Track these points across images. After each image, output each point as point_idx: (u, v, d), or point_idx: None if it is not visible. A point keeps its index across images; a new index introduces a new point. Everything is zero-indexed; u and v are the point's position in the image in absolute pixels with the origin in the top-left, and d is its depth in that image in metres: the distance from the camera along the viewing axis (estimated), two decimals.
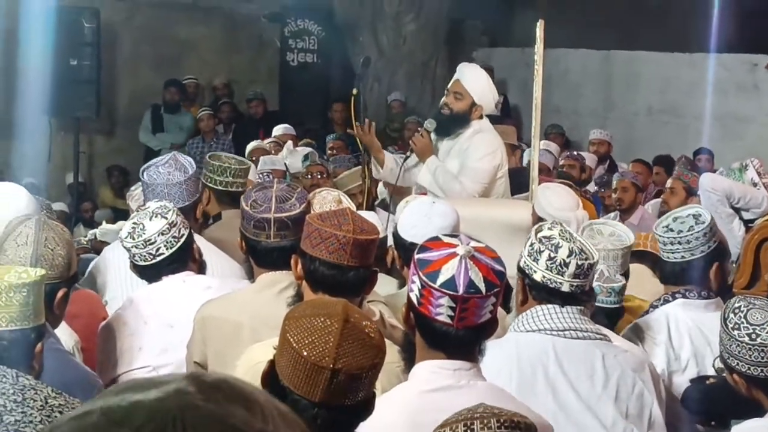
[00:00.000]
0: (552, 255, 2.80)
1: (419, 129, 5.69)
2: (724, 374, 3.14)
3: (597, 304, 3.64)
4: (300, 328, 2.06)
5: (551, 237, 2.83)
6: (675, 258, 3.53)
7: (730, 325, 2.89)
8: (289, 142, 8.33)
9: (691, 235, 3.49)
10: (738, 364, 2.89)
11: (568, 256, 2.79)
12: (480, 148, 5.44)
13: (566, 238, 2.83)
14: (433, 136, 5.57)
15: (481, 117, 5.53)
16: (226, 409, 0.95)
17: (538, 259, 2.82)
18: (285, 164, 7.69)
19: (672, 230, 3.53)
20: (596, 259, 2.87)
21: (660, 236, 3.56)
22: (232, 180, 4.60)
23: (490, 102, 5.57)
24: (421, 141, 5.52)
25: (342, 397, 2.03)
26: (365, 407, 2.09)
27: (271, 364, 2.10)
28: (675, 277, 3.56)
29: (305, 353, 2.02)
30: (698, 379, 3.38)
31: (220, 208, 4.58)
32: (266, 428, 0.97)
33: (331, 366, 2.01)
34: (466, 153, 5.44)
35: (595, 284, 3.63)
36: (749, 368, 2.87)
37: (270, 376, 2.09)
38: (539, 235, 2.86)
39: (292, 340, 2.04)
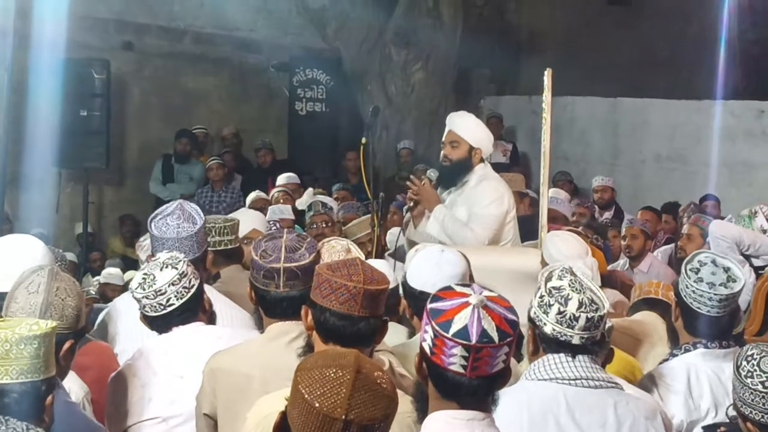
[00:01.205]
0: (561, 309, 2.78)
1: (422, 177, 5.70)
2: (737, 421, 3.11)
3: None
4: (312, 380, 2.06)
5: (561, 288, 2.81)
6: (718, 313, 3.42)
7: (743, 373, 2.87)
8: (310, 189, 8.35)
9: (736, 294, 3.41)
10: (751, 412, 2.86)
11: (578, 309, 2.78)
12: (486, 194, 5.45)
13: (576, 289, 2.81)
14: (439, 190, 5.58)
15: (482, 161, 5.54)
16: None
17: (548, 312, 2.81)
18: (303, 211, 7.69)
19: (701, 280, 3.42)
20: (607, 308, 2.85)
21: (703, 292, 3.40)
22: (219, 239, 4.57)
23: (487, 143, 5.58)
24: (426, 191, 5.52)
25: None
26: None
27: (283, 415, 2.09)
28: (708, 330, 3.47)
29: (317, 404, 2.02)
30: (710, 427, 3.34)
31: (215, 268, 4.54)
32: None
33: (344, 417, 2.00)
34: (473, 201, 5.45)
35: None
36: (762, 416, 2.85)
37: (281, 428, 2.08)
38: (549, 285, 2.84)
39: (303, 391, 2.04)
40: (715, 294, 3.39)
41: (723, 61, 9.34)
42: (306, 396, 2.04)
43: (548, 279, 2.86)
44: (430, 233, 5.43)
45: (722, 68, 9.29)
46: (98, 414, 3.37)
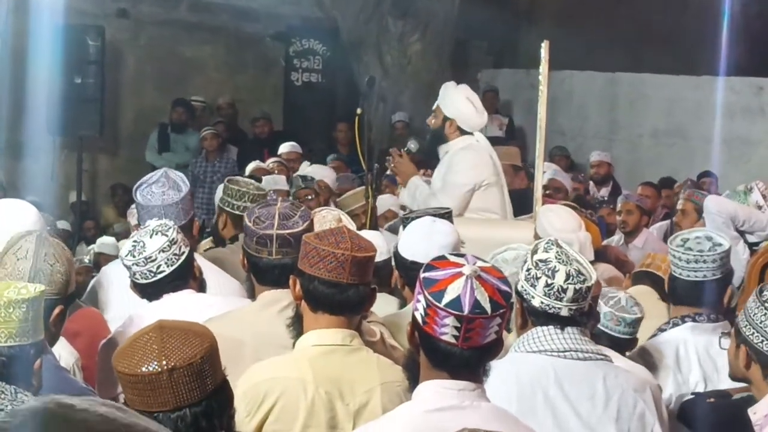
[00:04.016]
0: (549, 281, 2.77)
1: (400, 151, 5.83)
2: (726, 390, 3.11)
3: (605, 330, 3.61)
4: (126, 356, 2.11)
5: (547, 260, 2.80)
6: (696, 277, 3.47)
7: (765, 298, 2.83)
8: (305, 162, 8.31)
9: (717, 255, 3.46)
10: (753, 334, 2.82)
11: (566, 281, 2.76)
12: (456, 163, 5.57)
13: (563, 261, 2.79)
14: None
15: (459, 132, 5.62)
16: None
17: (535, 285, 2.79)
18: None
19: (690, 249, 3.48)
20: (594, 279, 2.84)
21: (682, 254, 3.49)
22: (250, 205, 4.59)
23: (464, 115, 5.64)
24: (402, 163, 5.70)
25: (192, 393, 2.07)
26: (221, 394, 2.13)
27: (125, 406, 2.13)
28: (691, 298, 3.50)
29: (139, 371, 2.07)
30: (700, 396, 3.33)
31: (236, 231, 4.56)
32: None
33: (165, 366, 2.06)
34: (446, 170, 5.60)
35: (606, 309, 3.61)
36: (765, 343, 2.81)
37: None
38: (535, 258, 2.82)
39: (124, 369, 2.09)
40: (692, 255, 3.44)
41: (724, 36, 9.27)
42: (127, 371, 2.09)
43: (534, 252, 2.85)
44: (403, 203, 5.66)
45: (724, 43, 9.22)
46: (89, 380, 3.35)
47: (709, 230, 3.68)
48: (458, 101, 5.66)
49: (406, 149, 5.80)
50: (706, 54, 9.11)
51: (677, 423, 3.29)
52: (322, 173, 7.46)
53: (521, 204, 5.93)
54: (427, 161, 6.03)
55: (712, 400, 3.21)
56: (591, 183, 9.07)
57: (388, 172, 6.13)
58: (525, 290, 2.81)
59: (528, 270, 2.82)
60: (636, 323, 3.67)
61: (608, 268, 5.34)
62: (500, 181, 5.71)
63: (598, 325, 3.67)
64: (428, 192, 5.55)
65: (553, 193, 7.22)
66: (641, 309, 3.71)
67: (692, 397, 3.30)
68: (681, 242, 3.53)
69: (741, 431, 2.90)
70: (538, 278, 2.79)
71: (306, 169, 7.80)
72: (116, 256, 7.76)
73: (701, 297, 3.50)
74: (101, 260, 7.65)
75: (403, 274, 3.38)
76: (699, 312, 3.52)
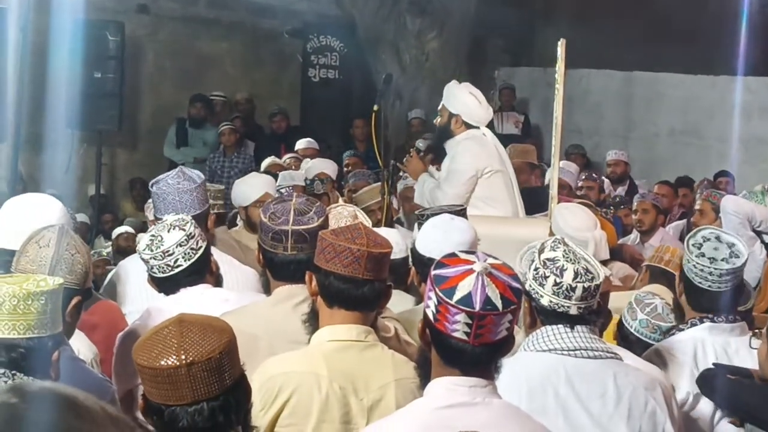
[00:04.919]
0: (558, 280, 2.77)
1: (410, 150, 6.03)
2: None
3: (641, 337, 3.62)
4: (145, 349, 2.13)
5: (555, 259, 2.80)
6: (719, 288, 3.44)
7: None
8: (307, 159, 8.32)
9: (735, 267, 3.42)
10: None
11: (574, 280, 2.76)
12: (459, 153, 5.67)
13: (570, 260, 2.79)
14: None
15: (465, 127, 5.71)
16: (52, 416, 0.96)
17: (544, 284, 2.79)
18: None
19: (714, 259, 3.43)
20: (602, 278, 2.84)
21: (704, 266, 3.45)
22: (212, 203, 4.70)
23: (468, 109, 5.73)
24: (411, 162, 5.86)
25: (210, 387, 2.09)
26: (239, 389, 2.15)
27: (144, 398, 2.17)
28: (711, 305, 3.48)
29: (158, 364, 2.09)
30: (719, 367, 3.32)
31: None
32: (94, 430, 0.99)
33: (183, 360, 2.07)
34: (450, 160, 5.73)
35: (642, 316, 3.62)
36: None
37: (146, 408, 2.16)
38: (543, 257, 2.82)
39: (143, 361, 2.11)
40: (716, 269, 3.40)
41: (742, 36, 9.23)
42: (146, 364, 2.11)
43: (541, 251, 2.84)
44: (415, 198, 5.79)
45: (741, 43, 9.19)
46: (106, 372, 3.38)
47: (722, 230, 3.64)
48: (462, 96, 5.75)
49: (415, 148, 5.93)
50: (723, 53, 9.07)
51: (689, 419, 3.30)
52: (323, 166, 7.48)
53: (536, 202, 5.94)
54: (436, 158, 6.08)
55: (734, 377, 3.21)
56: (607, 182, 9.05)
57: (401, 173, 6.24)
58: (533, 289, 2.81)
59: (536, 269, 2.82)
60: (669, 331, 3.67)
61: (623, 266, 5.35)
62: (507, 170, 5.76)
63: (633, 332, 3.68)
64: (434, 184, 5.66)
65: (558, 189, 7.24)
66: (676, 316, 3.70)
67: (712, 367, 3.30)
68: (696, 247, 3.47)
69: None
70: (546, 277, 2.79)
71: (306, 165, 7.78)
72: (135, 234, 7.92)
73: (717, 304, 3.47)
74: (120, 241, 7.81)
75: (420, 271, 3.40)
76: (716, 312, 3.51)
